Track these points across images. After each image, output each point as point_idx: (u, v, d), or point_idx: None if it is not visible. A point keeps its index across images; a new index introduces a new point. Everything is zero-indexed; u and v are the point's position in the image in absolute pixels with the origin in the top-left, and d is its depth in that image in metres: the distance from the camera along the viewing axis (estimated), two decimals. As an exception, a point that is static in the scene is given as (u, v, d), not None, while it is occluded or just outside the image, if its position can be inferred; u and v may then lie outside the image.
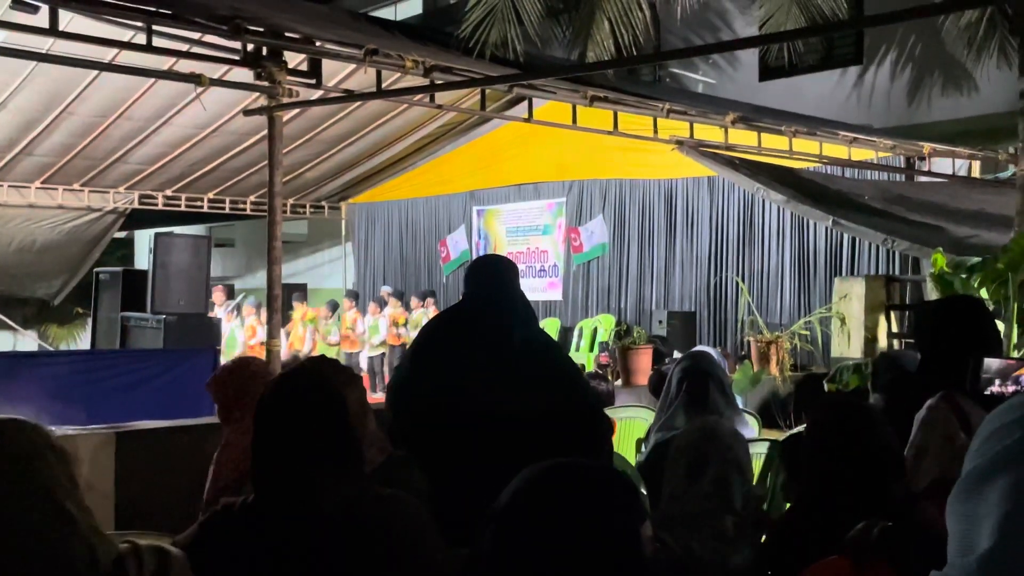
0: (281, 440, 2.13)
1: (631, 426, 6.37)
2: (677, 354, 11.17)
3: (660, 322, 12.94)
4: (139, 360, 8.13)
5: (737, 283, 12.24)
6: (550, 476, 1.45)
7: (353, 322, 14.65)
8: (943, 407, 2.76)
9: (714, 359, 5.06)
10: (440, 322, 3.70)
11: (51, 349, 16.24)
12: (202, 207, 15.81)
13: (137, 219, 16.01)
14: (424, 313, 14.37)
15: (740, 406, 5.59)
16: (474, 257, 16.26)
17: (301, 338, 14.23)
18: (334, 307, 14.82)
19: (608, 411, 6.16)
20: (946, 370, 2.83)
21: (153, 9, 6.69)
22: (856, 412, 2.59)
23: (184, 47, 7.74)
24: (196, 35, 7.34)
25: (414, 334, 14.89)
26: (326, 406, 2.16)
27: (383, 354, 14.56)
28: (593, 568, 1.36)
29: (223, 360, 12.68)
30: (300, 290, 16.02)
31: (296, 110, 11.12)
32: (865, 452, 2.48)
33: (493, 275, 3.61)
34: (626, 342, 8.51)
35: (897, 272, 11.06)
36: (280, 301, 7.80)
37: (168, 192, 15.30)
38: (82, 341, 20.14)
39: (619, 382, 8.97)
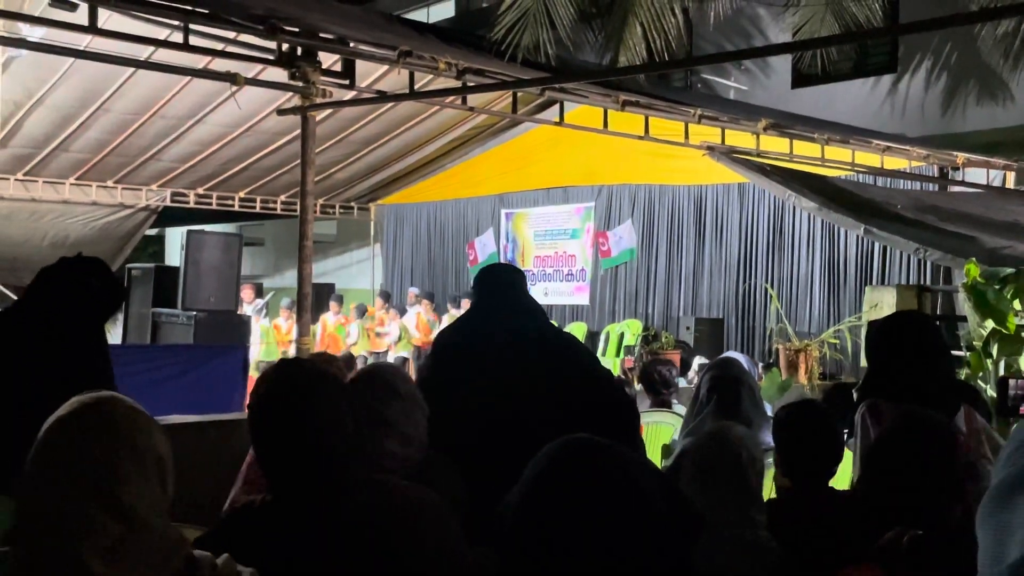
0: (275, 442, 2.13)
1: (657, 432, 6.34)
2: (701, 360, 11.15)
3: (687, 328, 12.91)
4: (169, 355, 8.20)
5: (766, 290, 12.19)
6: (572, 456, 1.41)
7: (380, 322, 14.70)
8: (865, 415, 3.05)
9: (744, 366, 5.04)
10: (455, 328, 3.73)
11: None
12: (233, 206, 15.93)
13: (169, 217, 16.15)
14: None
15: (769, 414, 5.57)
16: (502, 261, 16.29)
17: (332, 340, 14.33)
18: (362, 312, 14.89)
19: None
20: (886, 382, 3.05)
21: (190, 8, 6.75)
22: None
23: (219, 46, 7.81)
24: (231, 34, 7.40)
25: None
26: (308, 407, 2.15)
27: (405, 357, 14.63)
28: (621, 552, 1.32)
29: (252, 358, 12.86)
30: (328, 290, 16.10)
31: (328, 110, 11.20)
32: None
33: (500, 282, 3.63)
34: (653, 347, 8.48)
35: (928, 282, 10.97)
36: (310, 300, 7.85)
37: (200, 190, 15.42)
38: (113, 336, 20.32)
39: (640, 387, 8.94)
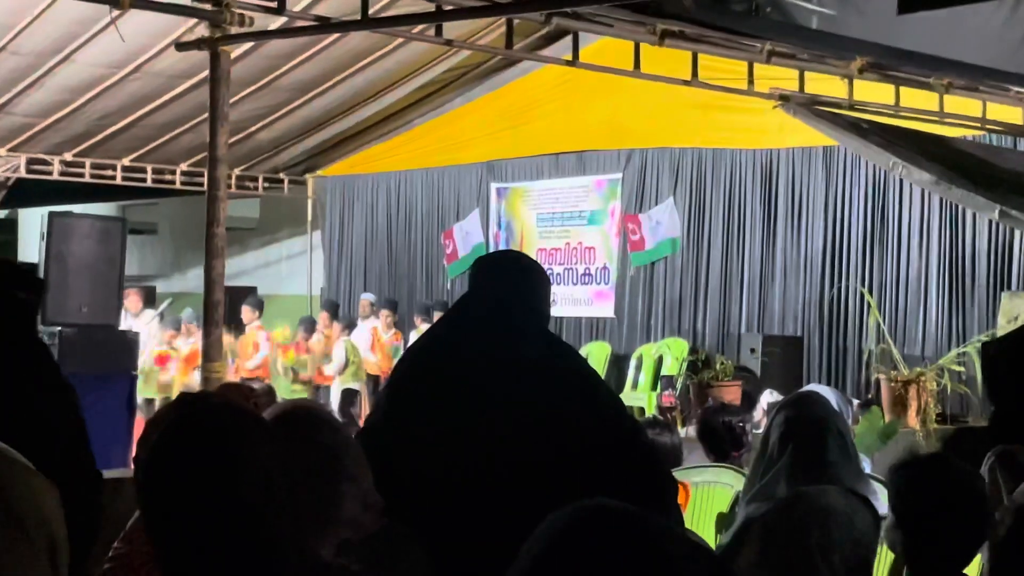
0: (173, 512, 2.16)
1: (710, 495, 6.35)
2: (771, 395, 11.15)
3: (752, 350, 12.92)
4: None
5: (863, 297, 12.21)
6: (589, 530, 1.41)
7: (327, 345, 14.75)
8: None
9: (831, 404, 5.05)
10: (421, 349, 3.75)
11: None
12: (114, 178, 15.94)
13: (23, 193, 16.13)
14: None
15: (867, 470, 5.58)
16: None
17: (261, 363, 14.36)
18: (310, 327, 14.88)
19: (676, 473, 6.18)
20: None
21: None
22: None
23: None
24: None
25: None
26: (220, 460, 2.17)
27: (354, 390, 14.65)
28: None
29: (141, 390, 12.87)
30: (249, 295, 16.12)
31: (248, 44, 11.22)
32: None
33: (507, 276, 3.65)
34: (704, 376, 8.52)
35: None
36: (223, 310, 7.91)
37: (67, 156, 15.44)
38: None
39: (690, 430, 8.97)
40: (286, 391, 14.29)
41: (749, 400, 9.32)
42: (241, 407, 2.35)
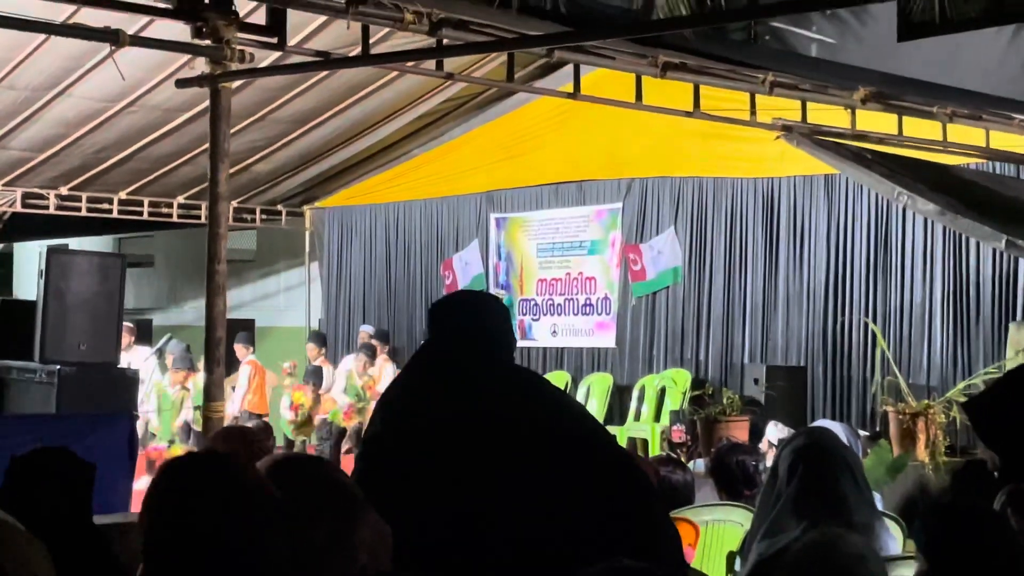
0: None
1: (720, 533, 6.32)
2: (778, 428, 11.11)
3: (756, 381, 12.89)
4: (23, 430, 8.12)
5: (867, 326, 12.18)
6: None
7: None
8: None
9: (840, 438, 5.02)
10: (397, 400, 3.75)
11: None
12: (111, 211, 15.94)
13: (18, 226, 16.14)
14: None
15: (879, 506, 5.54)
16: (492, 287, 16.30)
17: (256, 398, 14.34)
18: (318, 375, 14.86)
19: (686, 512, 6.14)
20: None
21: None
22: None
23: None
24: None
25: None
26: (221, 537, 2.26)
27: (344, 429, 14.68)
28: None
29: (143, 430, 12.85)
30: (246, 328, 16.09)
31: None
32: None
33: (467, 314, 3.70)
34: (711, 411, 8.49)
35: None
36: (224, 347, 7.88)
37: (63, 190, 15.46)
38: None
39: (698, 464, 8.95)
40: (287, 430, 14.31)
41: (755, 432, 9.31)
42: (232, 472, 2.42)
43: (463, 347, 3.57)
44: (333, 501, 2.83)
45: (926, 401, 9.17)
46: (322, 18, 9.96)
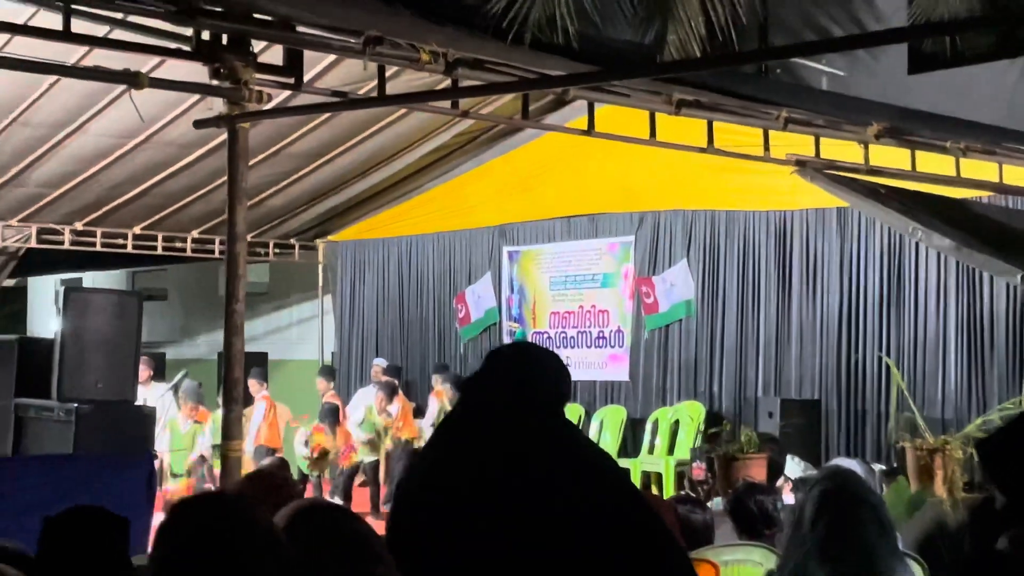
0: None
1: (740, 574, 6.33)
2: (797, 464, 11.12)
3: (770, 414, 12.90)
4: (41, 470, 8.16)
5: (881, 360, 12.17)
6: None
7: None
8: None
9: (862, 479, 5.04)
10: (440, 441, 3.74)
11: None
12: (125, 246, 16.01)
13: (32, 261, 16.21)
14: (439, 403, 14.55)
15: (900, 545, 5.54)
16: (505, 319, 16.33)
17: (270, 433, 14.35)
18: (334, 414, 14.80)
19: (707, 552, 6.15)
20: None
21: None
22: None
23: (104, 29, 7.90)
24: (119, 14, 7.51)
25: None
26: None
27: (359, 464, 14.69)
28: None
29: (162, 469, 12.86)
30: (258, 361, 16.12)
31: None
32: None
33: (521, 367, 3.65)
34: (729, 449, 8.48)
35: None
36: (241, 386, 7.90)
37: (78, 225, 15.54)
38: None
39: (716, 502, 8.92)
40: (302, 465, 14.31)
41: (774, 468, 9.30)
42: (247, 519, 2.46)
43: (510, 401, 3.54)
44: (349, 551, 2.88)
45: (943, 437, 9.14)
46: (331, 56, 10.01)
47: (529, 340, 15.84)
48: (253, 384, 14.67)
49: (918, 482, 8.80)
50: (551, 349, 3.96)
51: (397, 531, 3.50)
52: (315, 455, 14.24)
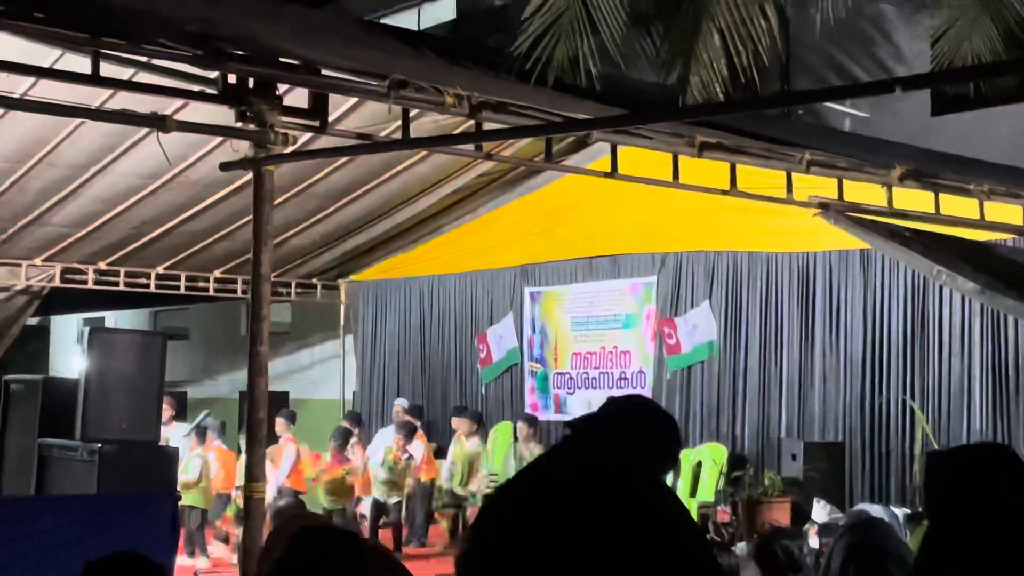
0: None
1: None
2: (822, 508, 11.07)
3: (793, 456, 12.84)
4: (64, 511, 8.18)
5: (905, 403, 12.13)
6: None
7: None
8: None
9: (890, 527, 5.03)
10: (528, 473, 3.72)
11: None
12: (148, 286, 16.07)
13: (55, 301, 16.26)
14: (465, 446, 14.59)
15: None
16: (527, 360, 16.32)
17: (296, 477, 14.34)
18: (345, 436, 14.78)
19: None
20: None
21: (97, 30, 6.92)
22: None
23: (128, 72, 7.97)
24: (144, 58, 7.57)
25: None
26: None
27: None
28: None
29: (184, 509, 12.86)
30: (280, 400, 16.14)
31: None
32: None
33: (631, 420, 3.59)
34: (753, 494, 8.45)
35: None
36: (265, 427, 7.92)
37: (101, 265, 15.62)
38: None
39: (740, 547, 8.91)
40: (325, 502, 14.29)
41: (799, 513, 9.27)
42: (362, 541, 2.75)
43: (621, 460, 3.44)
44: None
45: (968, 481, 9.11)
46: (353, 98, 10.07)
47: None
48: (280, 423, 14.66)
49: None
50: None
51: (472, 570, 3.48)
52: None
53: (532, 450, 14.61)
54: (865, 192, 10.59)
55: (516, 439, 15.12)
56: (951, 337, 12.54)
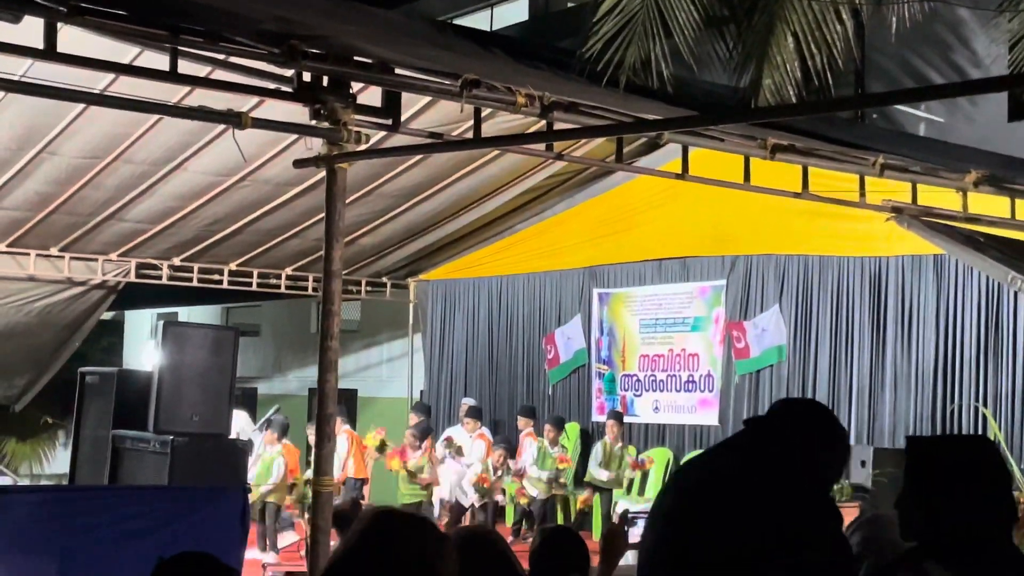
0: None
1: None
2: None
3: (863, 463, 12.72)
4: (135, 501, 8.29)
5: (978, 410, 12.00)
6: None
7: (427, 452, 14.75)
8: None
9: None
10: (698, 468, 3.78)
11: (7, 478, 16.62)
12: (221, 282, 16.26)
13: (129, 295, 16.48)
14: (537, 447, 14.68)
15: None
16: (595, 361, 16.31)
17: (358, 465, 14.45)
18: (424, 432, 14.80)
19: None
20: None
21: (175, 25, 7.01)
22: None
23: (206, 70, 8.07)
24: (222, 55, 7.66)
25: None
26: None
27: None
28: None
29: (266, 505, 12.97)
30: (347, 397, 16.25)
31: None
32: None
33: (810, 427, 3.60)
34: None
35: None
36: (334, 422, 7.98)
37: (176, 261, 15.79)
38: (52, 463, 20.68)
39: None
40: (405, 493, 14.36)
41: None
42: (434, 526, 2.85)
43: (794, 465, 3.51)
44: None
45: (1041, 490, 9.01)
46: (425, 97, 10.12)
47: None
48: (336, 421, 14.73)
49: (1017, 534, 8.66)
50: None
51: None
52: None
53: (619, 449, 14.85)
54: (939, 197, 10.50)
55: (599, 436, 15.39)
56: (1025, 346, 12.41)
